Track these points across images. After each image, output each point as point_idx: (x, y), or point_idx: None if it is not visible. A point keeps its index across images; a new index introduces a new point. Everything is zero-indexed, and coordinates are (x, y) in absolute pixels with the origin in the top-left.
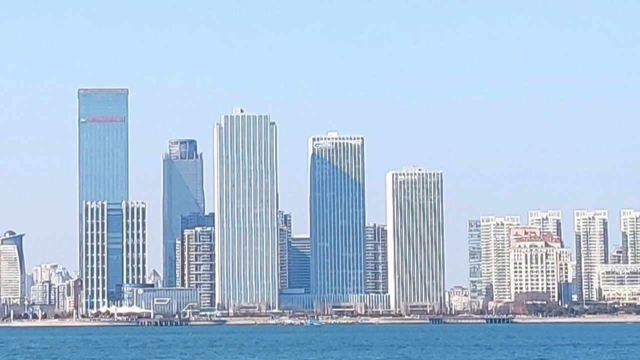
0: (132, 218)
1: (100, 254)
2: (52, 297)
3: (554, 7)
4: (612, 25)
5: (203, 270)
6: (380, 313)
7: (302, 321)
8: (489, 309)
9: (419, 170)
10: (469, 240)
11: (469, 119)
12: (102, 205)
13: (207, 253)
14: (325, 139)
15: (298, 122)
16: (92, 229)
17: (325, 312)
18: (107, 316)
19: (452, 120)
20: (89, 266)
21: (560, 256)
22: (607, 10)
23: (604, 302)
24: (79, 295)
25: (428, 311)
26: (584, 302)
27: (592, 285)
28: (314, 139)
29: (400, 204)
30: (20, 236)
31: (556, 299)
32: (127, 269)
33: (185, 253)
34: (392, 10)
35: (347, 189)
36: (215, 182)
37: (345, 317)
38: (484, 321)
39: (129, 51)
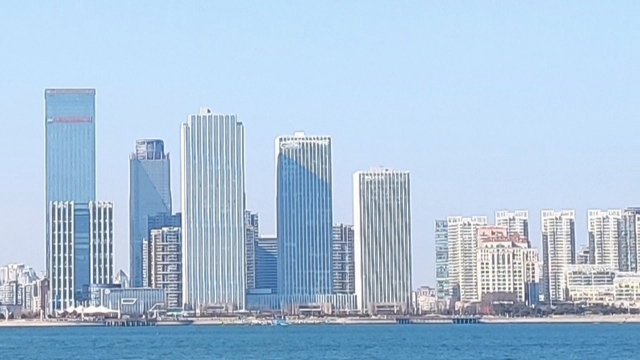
0: (99, 218)
1: (67, 254)
2: (19, 297)
3: (520, 7)
4: (578, 26)
5: (170, 270)
6: (347, 313)
7: (269, 321)
8: (456, 309)
9: (386, 170)
10: (436, 241)
11: (436, 119)
12: (69, 205)
13: (174, 253)
14: (292, 139)
15: (265, 122)
16: (59, 229)
17: (292, 312)
18: (74, 316)
19: (419, 120)
20: (56, 266)
21: (527, 256)
22: (574, 10)
23: (571, 302)
24: (46, 296)
25: (395, 311)
26: (550, 302)
27: (559, 285)
28: (280, 139)
29: (367, 204)
30: None
31: (523, 299)
32: (94, 269)
33: (152, 253)
34: (358, 11)
35: (314, 189)
36: (182, 182)
37: (312, 317)
38: (451, 321)
39: (96, 51)
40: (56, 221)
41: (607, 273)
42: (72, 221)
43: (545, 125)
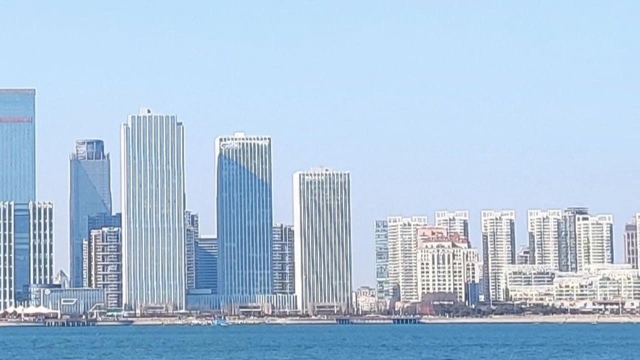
0: (39, 218)
1: (7, 254)
2: None
3: (460, 6)
4: (517, 26)
5: (110, 270)
6: (287, 313)
7: (209, 321)
8: (396, 309)
9: (326, 170)
10: (376, 241)
11: (376, 119)
12: (9, 205)
13: (114, 253)
14: (232, 139)
15: (205, 123)
16: None
17: (232, 313)
18: (14, 316)
19: (359, 121)
20: None
21: (467, 256)
22: (513, 10)
23: (511, 302)
24: None
25: (335, 311)
26: (491, 302)
27: (499, 285)
28: (220, 140)
29: (307, 205)
30: None
31: (463, 300)
32: (34, 270)
33: (92, 253)
34: (298, 10)
35: (254, 189)
36: (122, 183)
37: (252, 317)
38: (391, 321)
39: (36, 51)
40: None
41: (547, 273)
42: (12, 221)
43: (485, 126)
